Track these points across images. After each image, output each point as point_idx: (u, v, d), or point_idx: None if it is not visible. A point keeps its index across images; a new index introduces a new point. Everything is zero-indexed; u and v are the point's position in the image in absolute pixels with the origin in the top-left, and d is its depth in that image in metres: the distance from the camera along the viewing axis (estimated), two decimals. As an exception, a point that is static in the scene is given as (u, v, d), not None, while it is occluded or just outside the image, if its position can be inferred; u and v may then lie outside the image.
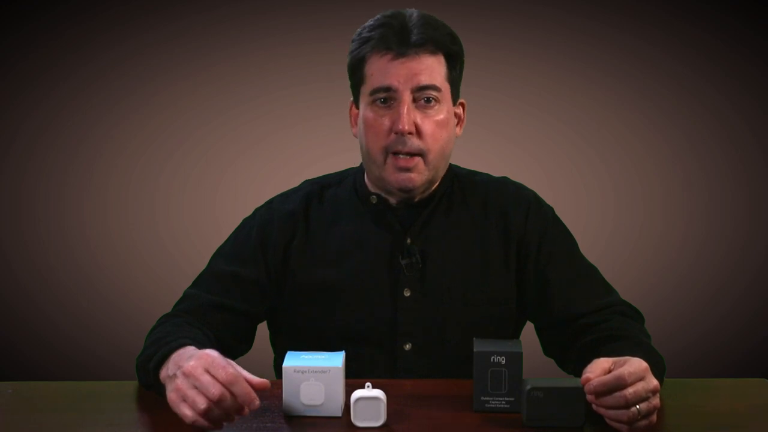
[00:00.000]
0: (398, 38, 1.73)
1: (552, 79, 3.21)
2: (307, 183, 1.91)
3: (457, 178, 1.87)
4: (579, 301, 1.78)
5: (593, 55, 3.20)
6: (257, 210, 1.89)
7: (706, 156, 3.24)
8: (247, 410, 1.38)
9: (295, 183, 1.93)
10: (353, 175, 1.89)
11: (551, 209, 1.90)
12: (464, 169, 1.91)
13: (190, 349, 1.49)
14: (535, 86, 3.21)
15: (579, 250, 1.87)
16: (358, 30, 1.79)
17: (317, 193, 1.87)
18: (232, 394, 1.37)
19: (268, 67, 3.13)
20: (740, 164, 3.25)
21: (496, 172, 1.94)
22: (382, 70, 1.73)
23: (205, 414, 1.38)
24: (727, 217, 3.26)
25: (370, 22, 1.78)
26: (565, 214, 1.92)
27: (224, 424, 1.40)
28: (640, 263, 3.24)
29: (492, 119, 3.11)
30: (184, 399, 1.40)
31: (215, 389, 1.37)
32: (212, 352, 1.44)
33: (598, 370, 1.43)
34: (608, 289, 1.83)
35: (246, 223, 1.87)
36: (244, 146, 3.11)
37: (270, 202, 1.89)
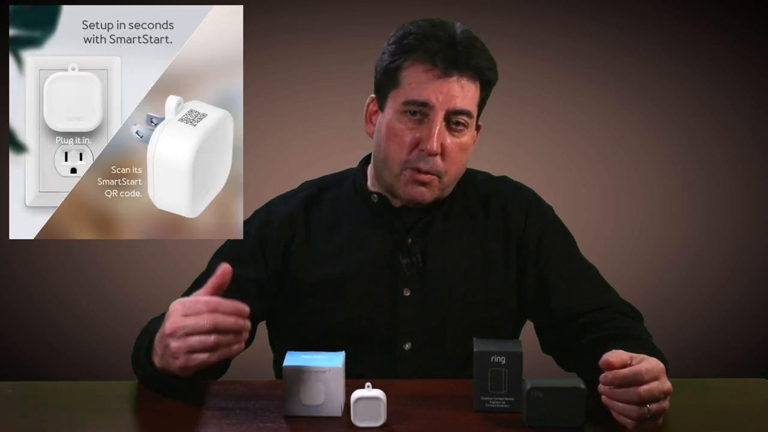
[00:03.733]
0: (445, 56, 1.71)
1: (552, 79, 3.21)
2: (306, 185, 1.91)
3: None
4: (578, 301, 1.78)
5: (593, 55, 3.20)
6: (256, 212, 1.89)
7: (706, 156, 3.24)
8: (246, 323, 1.42)
9: (295, 183, 1.93)
10: (352, 176, 1.89)
11: (551, 209, 1.90)
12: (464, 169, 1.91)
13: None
14: (535, 86, 3.21)
15: (578, 249, 1.87)
16: (399, 33, 1.76)
17: (316, 195, 1.87)
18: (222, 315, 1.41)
19: (268, 67, 3.13)
20: (740, 164, 3.25)
21: (496, 172, 1.94)
22: (421, 84, 1.72)
23: (218, 345, 1.41)
24: (727, 217, 3.26)
25: (413, 27, 1.75)
26: (565, 214, 1.92)
27: (239, 346, 1.43)
28: (640, 263, 3.24)
29: (492, 119, 3.11)
30: (190, 350, 1.42)
31: (206, 320, 1.41)
32: (176, 301, 1.46)
33: (617, 358, 1.42)
34: (607, 288, 1.83)
35: (245, 224, 1.87)
36: (244, 146, 3.11)
37: (269, 205, 1.89)
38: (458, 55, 1.72)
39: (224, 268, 1.47)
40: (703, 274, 3.26)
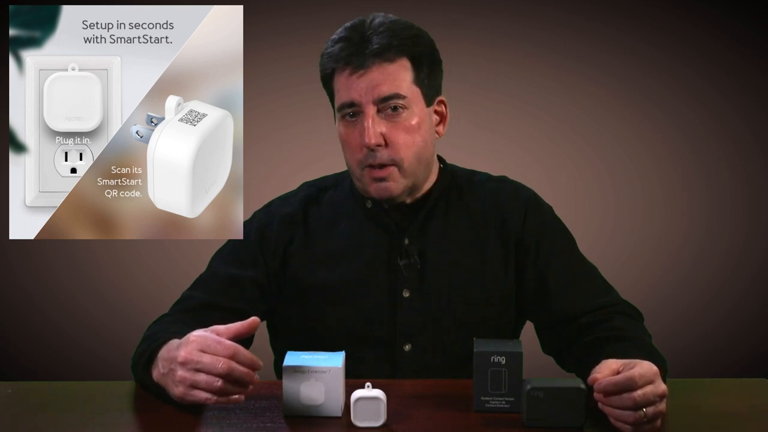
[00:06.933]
0: (356, 51, 1.73)
1: (552, 79, 3.21)
2: (305, 186, 1.92)
3: (455, 178, 1.87)
4: (578, 300, 1.78)
5: (593, 55, 3.20)
6: (256, 213, 1.89)
7: (706, 156, 3.24)
8: (256, 377, 1.43)
9: (295, 183, 1.93)
10: (350, 178, 1.89)
11: (550, 208, 1.90)
12: (463, 168, 1.91)
13: (174, 342, 1.50)
14: (535, 86, 3.21)
15: (578, 249, 1.87)
16: (325, 44, 1.79)
17: (315, 196, 1.88)
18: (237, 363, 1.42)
19: (268, 67, 3.13)
20: (740, 164, 3.25)
21: (496, 172, 1.94)
22: (345, 86, 1.74)
23: (221, 391, 1.41)
24: (727, 217, 3.26)
25: (333, 35, 1.78)
26: (565, 214, 1.92)
27: (239, 397, 1.43)
28: (640, 263, 3.24)
29: (492, 119, 3.11)
30: (195, 385, 1.42)
31: (222, 364, 1.41)
32: (197, 333, 1.46)
33: (606, 371, 1.44)
34: (608, 288, 1.82)
35: (245, 225, 1.87)
36: (244, 146, 3.12)
37: (269, 205, 1.89)
38: (369, 44, 1.72)
39: (253, 321, 1.49)
40: (703, 274, 3.26)
